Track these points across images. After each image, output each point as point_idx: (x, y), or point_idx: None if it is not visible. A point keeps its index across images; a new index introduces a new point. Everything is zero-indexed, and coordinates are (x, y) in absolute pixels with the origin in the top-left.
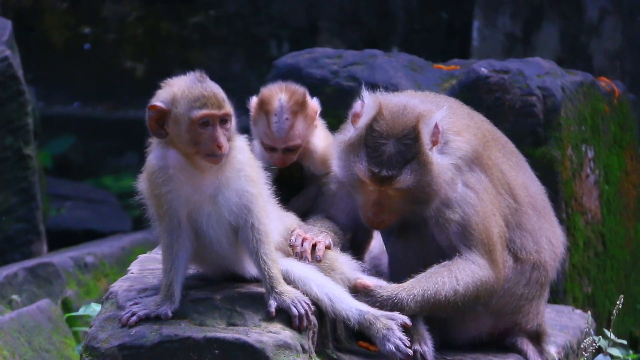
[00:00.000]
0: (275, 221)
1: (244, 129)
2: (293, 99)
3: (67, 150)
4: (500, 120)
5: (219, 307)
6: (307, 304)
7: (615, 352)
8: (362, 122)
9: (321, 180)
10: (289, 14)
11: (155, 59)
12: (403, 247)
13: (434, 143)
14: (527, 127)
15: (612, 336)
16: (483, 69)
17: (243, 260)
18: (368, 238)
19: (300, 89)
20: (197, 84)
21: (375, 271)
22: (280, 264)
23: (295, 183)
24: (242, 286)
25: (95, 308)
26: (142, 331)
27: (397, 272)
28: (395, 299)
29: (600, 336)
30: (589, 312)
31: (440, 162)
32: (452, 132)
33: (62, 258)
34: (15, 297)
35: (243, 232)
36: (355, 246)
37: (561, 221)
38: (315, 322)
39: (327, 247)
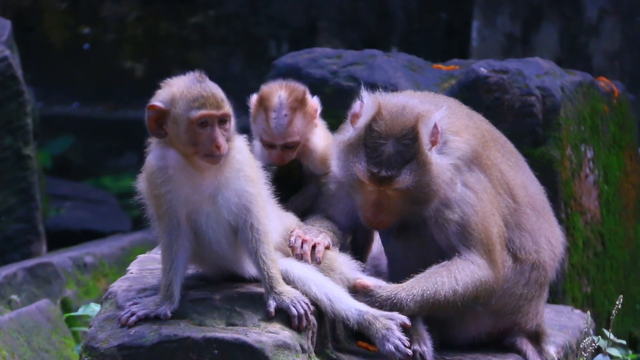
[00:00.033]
0: (274, 221)
1: (244, 129)
2: (292, 96)
3: (66, 150)
4: (499, 120)
5: (218, 307)
6: (307, 304)
7: (614, 352)
8: (361, 122)
9: (321, 179)
10: (288, 14)
11: (154, 59)
12: (402, 247)
13: (433, 143)
14: (526, 127)
15: (612, 336)
16: (482, 69)
17: (242, 260)
18: (369, 241)
19: (300, 87)
20: (196, 84)
21: (375, 271)
22: (279, 264)
23: (295, 182)
24: (242, 286)
25: (94, 308)
26: (141, 331)
27: (397, 272)
28: (395, 299)
29: (600, 336)
30: (588, 312)
31: (439, 162)
32: (451, 132)
33: (62, 258)
34: (14, 297)
35: (242, 232)
36: (356, 249)
37: (560, 221)
38: (315, 322)
39: (327, 247)
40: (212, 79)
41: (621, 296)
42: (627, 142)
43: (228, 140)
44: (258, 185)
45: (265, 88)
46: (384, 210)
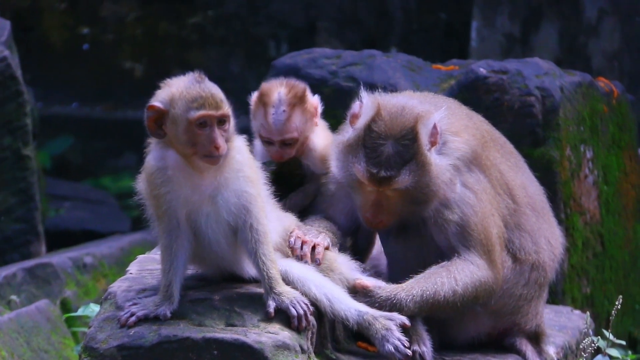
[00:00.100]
0: (274, 222)
1: (244, 129)
2: (292, 92)
3: (65, 150)
4: (499, 120)
5: (217, 307)
6: (306, 304)
7: (614, 352)
8: (361, 122)
9: (321, 178)
10: (288, 14)
11: (154, 59)
12: (402, 248)
13: (433, 144)
14: (526, 127)
15: (611, 337)
16: (482, 70)
17: (242, 261)
18: (370, 244)
19: (300, 84)
20: (195, 84)
21: (374, 272)
22: (279, 265)
23: (295, 181)
24: (241, 286)
25: (94, 308)
26: (141, 332)
27: (396, 272)
28: (394, 299)
29: (599, 337)
30: (588, 313)
31: (438, 163)
32: (451, 132)
33: (61, 258)
34: (14, 297)
35: (242, 232)
36: (356, 252)
37: (560, 222)
38: (314, 322)
39: (326, 248)
40: (211, 79)
41: (620, 296)
42: (627, 143)
43: (227, 140)
44: (257, 185)
45: (266, 85)
46: (383, 210)
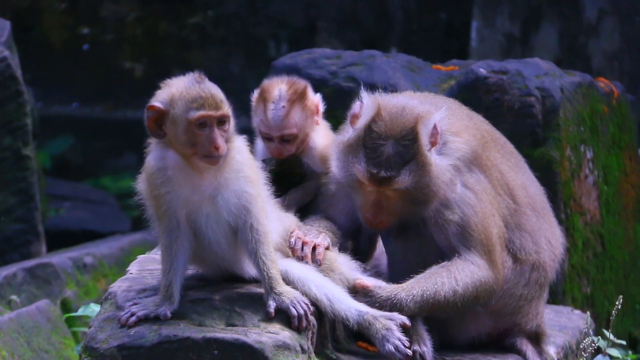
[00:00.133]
0: (274, 222)
1: (244, 130)
2: (292, 89)
3: (65, 150)
4: (499, 120)
5: (218, 307)
6: (306, 304)
7: (614, 352)
8: (361, 123)
9: (321, 177)
10: (288, 14)
11: (153, 60)
12: (402, 248)
13: (433, 144)
14: (526, 127)
15: (611, 336)
16: (482, 70)
17: (242, 261)
18: (372, 247)
19: (302, 81)
20: (195, 84)
21: (375, 271)
22: (279, 265)
23: (296, 180)
24: (241, 287)
25: (94, 308)
26: (141, 331)
27: (397, 272)
28: (395, 299)
29: (599, 337)
30: (588, 313)
31: (439, 163)
32: (451, 133)
33: (61, 258)
34: (14, 297)
35: (242, 232)
36: (358, 255)
37: (560, 222)
38: (315, 322)
39: (326, 248)
40: (211, 79)
41: (621, 296)
42: (627, 143)
43: (227, 141)
44: (258, 185)
45: (267, 81)
46: (383, 210)
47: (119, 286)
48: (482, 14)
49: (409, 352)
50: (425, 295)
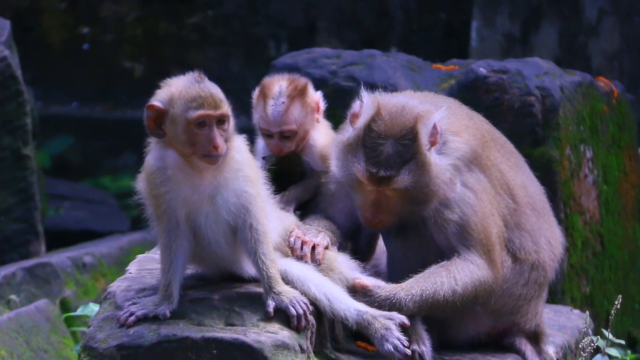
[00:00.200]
0: (273, 221)
1: (243, 129)
2: (292, 85)
3: (65, 150)
4: (499, 120)
5: (217, 307)
6: (306, 304)
7: (613, 352)
8: (361, 122)
9: (321, 176)
10: (287, 14)
11: (153, 59)
12: (402, 247)
13: (433, 143)
14: (526, 127)
15: (610, 336)
16: (482, 69)
17: (241, 260)
18: (371, 247)
19: (302, 79)
20: (195, 84)
21: (374, 271)
22: (278, 264)
23: (296, 178)
24: (241, 286)
25: (93, 308)
26: (140, 331)
27: (396, 272)
28: (394, 299)
29: (599, 336)
30: (587, 312)
31: (438, 163)
32: (451, 132)
33: (60, 258)
34: (13, 297)
35: (241, 232)
36: (357, 254)
37: (560, 221)
38: (314, 322)
39: (326, 247)
40: (211, 79)
41: (620, 296)
42: (626, 142)
43: (227, 140)
44: (257, 185)
45: (268, 78)
46: (382, 210)
47: (118, 286)
48: (482, 13)
49: (408, 351)
50: (424, 294)
